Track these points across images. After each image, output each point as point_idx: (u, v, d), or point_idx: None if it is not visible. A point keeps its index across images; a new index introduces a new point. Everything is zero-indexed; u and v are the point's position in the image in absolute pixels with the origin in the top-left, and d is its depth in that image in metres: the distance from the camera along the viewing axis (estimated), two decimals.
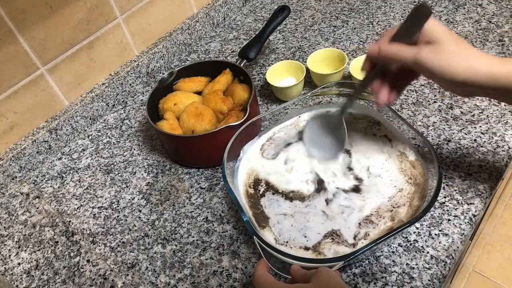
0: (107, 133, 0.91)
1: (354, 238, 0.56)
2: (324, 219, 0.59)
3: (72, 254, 0.70)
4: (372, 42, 0.97)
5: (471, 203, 0.63)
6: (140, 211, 0.74)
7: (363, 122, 0.70)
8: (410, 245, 0.60)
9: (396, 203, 0.58)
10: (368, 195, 0.61)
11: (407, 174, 0.61)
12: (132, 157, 0.84)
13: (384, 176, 0.62)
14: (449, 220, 0.62)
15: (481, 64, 0.47)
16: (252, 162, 0.68)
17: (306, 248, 0.57)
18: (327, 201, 0.61)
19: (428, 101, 0.80)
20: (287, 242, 0.58)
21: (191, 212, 0.72)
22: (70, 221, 0.75)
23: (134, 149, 0.86)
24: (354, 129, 0.69)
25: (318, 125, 0.67)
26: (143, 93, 0.99)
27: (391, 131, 0.68)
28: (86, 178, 0.82)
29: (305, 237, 0.58)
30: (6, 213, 0.79)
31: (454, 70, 0.47)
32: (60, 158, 0.88)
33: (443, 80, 0.49)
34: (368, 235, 0.56)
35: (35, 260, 0.70)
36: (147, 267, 0.66)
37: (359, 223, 0.58)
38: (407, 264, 0.59)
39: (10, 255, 0.72)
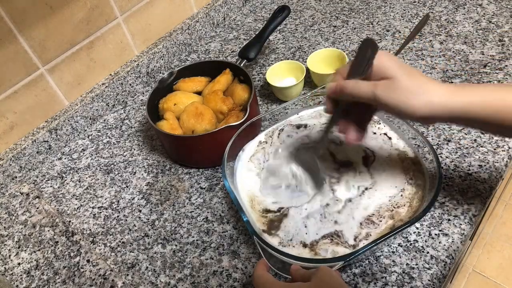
0: (107, 133, 0.91)
1: (355, 239, 0.56)
2: (326, 219, 0.59)
3: (72, 254, 0.70)
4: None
5: (471, 203, 0.63)
6: (140, 211, 0.74)
7: None
8: (410, 245, 0.60)
9: (396, 204, 0.58)
10: (372, 193, 0.61)
11: (409, 174, 0.61)
12: (132, 157, 0.84)
13: (385, 175, 0.62)
14: (449, 220, 0.62)
15: (436, 99, 0.47)
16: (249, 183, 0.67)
17: (305, 245, 0.57)
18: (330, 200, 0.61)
19: None
20: (291, 239, 0.58)
21: (191, 212, 0.72)
22: (70, 221, 0.75)
23: (134, 149, 0.86)
24: None
25: (301, 157, 0.66)
26: (143, 93, 0.99)
27: (390, 129, 0.68)
28: (86, 178, 0.82)
29: (306, 234, 0.58)
30: (6, 213, 0.79)
31: (411, 107, 0.47)
32: (60, 158, 0.88)
33: (402, 115, 0.49)
34: (370, 235, 0.56)
35: (35, 260, 0.70)
36: (147, 267, 0.66)
37: (361, 223, 0.58)
38: (407, 264, 0.59)
39: (10, 255, 0.72)
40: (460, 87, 0.48)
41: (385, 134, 0.67)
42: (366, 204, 0.60)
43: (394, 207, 0.58)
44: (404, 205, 0.58)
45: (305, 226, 0.58)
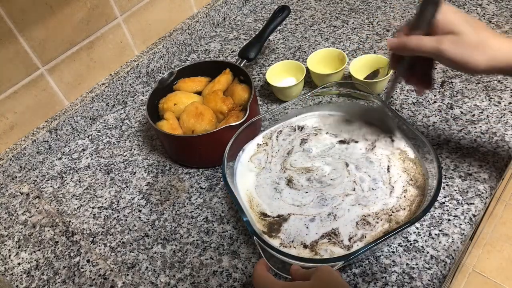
0: (107, 133, 0.91)
1: (350, 239, 0.56)
2: (325, 214, 0.59)
3: (72, 254, 0.70)
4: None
5: (471, 203, 0.63)
6: (140, 211, 0.74)
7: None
8: (410, 245, 0.60)
9: (396, 207, 0.58)
10: (371, 193, 0.61)
11: (410, 174, 0.61)
12: (132, 157, 0.84)
13: (388, 177, 0.62)
14: (449, 220, 0.62)
15: (501, 54, 0.48)
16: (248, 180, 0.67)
17: (305, 246, 0.57)
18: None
19: (428, 101, 0.80)
20: (292, 241, 0.58)
21: (191, 212, 0.72)
22: (70, 221, 0.75)
23: (134, 149, 0.86)
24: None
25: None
26: (143, 93, 0.99)
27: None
28: (86, 178, 0.82)
29: (307, 234, 0.58)
30: (6, 213, 0.79)
31: (475, 61, 0.48)
32: (60, 158, 0.88)
33: (465, 70, 0.50)
34: (365, 237, 0.56)
35: (35, 260, 0.70)
36: (147, 267, 0.66)
37: (357, 223, 0.58)
38: (407, 264, 0.59)
39: (10, 255, 0.72)
40: None
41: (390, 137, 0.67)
42: (365, 202, 0.60)
43: (393, 212, 0.58)
44: (404, 209, 0.58)
45: (307, 227, 0.58)
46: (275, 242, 0.58)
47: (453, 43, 0.49)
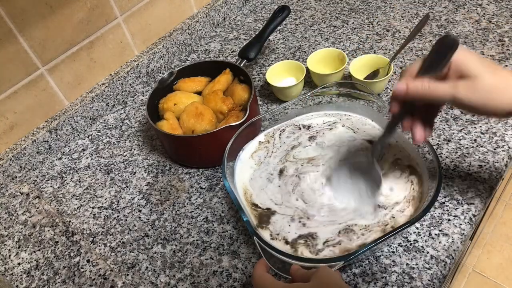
0: (107, 133, 0.91)
1: (324, 243, 0.56)
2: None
3: (72, 254, 0.70)
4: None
5: (471, 203, 0.63)
6: (140, 211, 0.74)
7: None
8: (410, 245, 0.60)
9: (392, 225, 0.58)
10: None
11: (409, 181, 0.61)
12: (132, 157, 0.84)
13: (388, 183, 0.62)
14: (449, 220, 0.62)
15: None
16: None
17: (287, 242, 0.57)
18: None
19: None
20: (278, 234, 0.58)
21: (191, 212, 0.72)
22: (70, 221, 0.75)
23: (134, 149, 0.86)
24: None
25: (346, 172, 0.62)
26: (143, 93, 0.99)
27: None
28: (86, 178, 0.82)
29: (289, 232, 0.58)
30: (6, 213, 0.79)
31: (497, 105, 0.45)
32: (60, 158, 0.88)
33: (484, 113, 0.47)
34: (340, 244, 0.56)
35: (35, 260, 0.70)
36: (147, 267, 0.66)
37: (339, 232, 0.57)
38: (407, 264, 0.59)
39: (10, 255, 0.72)
40: None
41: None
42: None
43: (389, 219, 0.58)
44: (403, 213, 0.58)
45: (289, 225, 0.59)
46: (265, 234, 0.58)
47: (470, 87, 0.45)
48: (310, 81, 0.90)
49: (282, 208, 0.61)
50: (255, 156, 0.69)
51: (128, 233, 0.71)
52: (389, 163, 0.63)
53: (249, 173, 0.67)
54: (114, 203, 0.77)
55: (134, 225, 0.72)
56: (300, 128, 0.72)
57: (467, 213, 0.62)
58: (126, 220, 0.73)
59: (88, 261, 0.69)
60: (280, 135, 0.71)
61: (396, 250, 0.60)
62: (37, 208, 0.79)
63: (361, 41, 0.98)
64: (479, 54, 0.49)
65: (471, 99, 0.45)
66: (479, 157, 0.69)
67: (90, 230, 0.73)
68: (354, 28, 1.02)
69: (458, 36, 0.92)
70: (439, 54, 0.47)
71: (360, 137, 0.68)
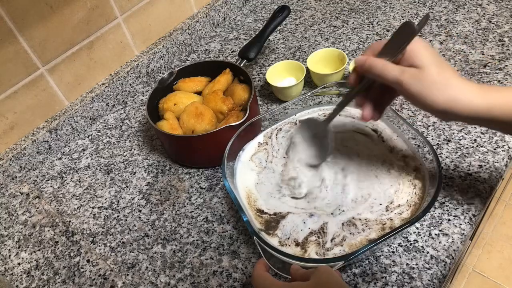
0: (107, 133, 0.91)
1: (332, 240, 0.57)
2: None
3: (72, 254, 0.70)
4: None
5: (471, 203, 0.63)
6: (140, 211, 0.74)
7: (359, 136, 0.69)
8: (410, 245, 0.60)
9: (390, 217, 0.58)
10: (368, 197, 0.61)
11: (410, 179, 0.61)
12: (132, 157, 0.84)
13: (386, 179, 0.62)
14: (449, 220, 0.62)
15: (462, 96, 0.46)
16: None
17: (297, 244, 0.57)
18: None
19: None
20: (288, 238, 0.58)
21: (191, 212, 0.72)
22: (70, 221, 0.75)
23: (134, 149, 0.86)
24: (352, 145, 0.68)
25: (306, 129, 0.65)
26: (143, 93, 0.99)
27: (390, 129, 0.68)
28: (86, 178, 0.82)
29: (302, 230, 0.58)
30: (6, 213, 0.79)
31: (434, 98, 0.47)
32: (60, 158, 0.88)
33: (422, 106, 0.49)
34: (345, 240, 0.56)
35: (35, 260, 0.70)
36: (147, 267, 0.66)
37: (343, 224, 0.58)
38: (407, 264, 0.59)
39: (10, 255, 0.72)
40: (486, 87, 0.48)
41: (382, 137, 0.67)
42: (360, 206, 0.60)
43: (387, 220, 0.58)
44: (400, 217, 0.58)
45: (304, 223, 0.59)
46: (273, 241, 0.58)
47: (414, 76, 0.47)
48: (310, 81, 0.90)
49: (296, 209, 0.61)
50: (255, 159, 0.68)
51: (128, 233, 0.71)
52: (397, 164, 0.63)
53: (252, 177, 0.66)
54: (114, 203, 0.77)
55: (134, 225, 0.72)
56: (295, 124, 0.72)
57: (467, 213, 0.62)
58: (126, 220, 0.73)
59: (88, 261, 0.69)
60: (276, 135, 0.71)
61: (396, 250, 0.60)
62: (37, 208, 0.79)
63: (361, 41, 0.98)
64: (434, 49, 0.50)
65: (413, 87, 0.47)
66: (479, 157, 0.69)
67: (90, 230, 0.73)
68: (354, 28, 1.02)
69: (458, 36, 0.92)
70: (398, 39, 0.49)
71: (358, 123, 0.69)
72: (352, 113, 0.72)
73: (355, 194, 0.61)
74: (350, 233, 0.57)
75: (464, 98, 0.46)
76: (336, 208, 0.60)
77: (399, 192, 0.60)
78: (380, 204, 0.59)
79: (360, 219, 0.58)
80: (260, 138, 0.71)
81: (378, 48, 0.52)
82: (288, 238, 0.58)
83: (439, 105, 0.47)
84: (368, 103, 0.54)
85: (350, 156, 0.65)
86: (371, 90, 0.55)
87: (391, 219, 0.57)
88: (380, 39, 0.97)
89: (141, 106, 0.96)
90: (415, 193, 0.59)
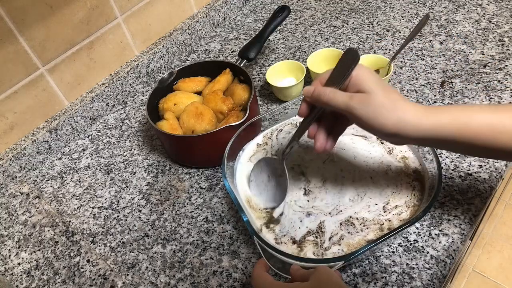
0: (107, 133, 0.91)
1: (329, 239, 0.57)
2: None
3: (72, 254, 0.70)
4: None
5: (471, 203, 0.63)
6: (140, 211, 0.74)
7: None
8: (410, 245, 0.60)
9: (388, 218, 0.58)
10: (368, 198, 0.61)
11: (411, 184, 0.61)
12: (132, 157, 0.84)
13: (387, 184, 0.62)
14: (449, 220, 0.62)
15: (409, 117, 0.47)
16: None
17: (294, 242, 0.57)
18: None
19: (428, 101, 0.80)
20: (284, 235, 0.58)
21: (191, 212, 0.72)
22: (70, 221, 0.75)
23: (134, 149, 0.86)
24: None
25: (263, 169, 0.64)
26: (143, 93, 0.99)
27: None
28: (86, 178, 0.82)
29: (300, 228, 0.59)
30: (6, 213, 0.79)
31: (383, 121, 0.47)
32: (60, 158, 0.88)
33: (373, 130, 0.49)
34: (343, 238, 0.56)
35: (35, 260, 0.70)
36: (147, 267, 0.66)
37: (341, 223, 0.58)
38: (407, 264, 0.59)
39: (10, 255, 0.72)
40: (432, 108, 0.48)
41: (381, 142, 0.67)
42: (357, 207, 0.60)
43: (385, 220, 0.58)
44: (399, 217, 0.58)
45: (301, 221, 0.59)
46: (270, 236, 0.58)
47: (362, 101, 0.48)
48: (310, 81, 0.90)
49: (294, 206, 0.62)
50: (254, 159, 0.68)
51: (128, 233, 0.71)
52: (396, 166, 0.63)
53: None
54: (114, 203, 0.77)
55: (134, 225, 0.72)
56: (297, 125, 0.72)
57: (467, 213, 0.62)
58: (126, 220, 0.73)
59: (88, 261, 0.69)
60: (277, 135, 0.71)
61: (396, 250, 0.60)
62: (37, 208, 0.79)
63: (361, 41, 0.98)
64: (378, 76, 0.51)
65: (362, 111, 0.48)
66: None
67: (90, 230, 0.73)
68: (354, 28, 1.02)
69: (458, 36, 0.92)
70: (342, 66, 0.50)
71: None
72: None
73: (351, 194, 0.61)
74: (348, 233, 0.57)
75: (411, 119, 0.47)
76: (334, 208, 0.60)
77: (396, 194, 0.60)
78: (376, 204, 0.59)
79: (357, 219, 0.58)
80: (259, 139, 0.71)
81: (325, 77, 0.52)
82: (285, 235, 0.58)
83: (389, 127, 0.47)
84: (320, 133, 0.54)
85: (348, 158, 0.66)
86: (323, 119, 0.55)
87: (389, 220, 0.57)
88: (380, 40, 0.97)
89: (141, 106, 0.96)
90: (414, 195, 0.59)
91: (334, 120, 0.55)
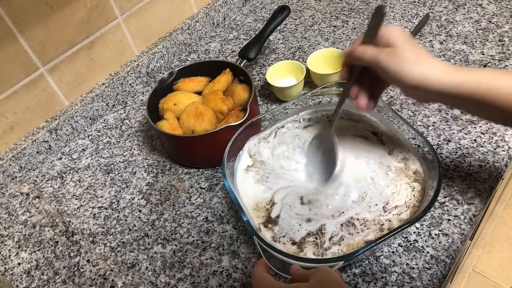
0: (107, 133, 0.91)
1: (330, 239, 0.57)
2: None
3: (72, 254, 0.70)
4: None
5: (471, 203, 0.63)
6: (140, 211, 0.74)
7: (360, 130, 0.70)
8: (410, 245, 0.60)
9: (388, 217, 0.58)
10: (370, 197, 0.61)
11: (410, 183, 0.61)
12: (132, 157, 0.84)
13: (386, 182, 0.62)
14: (449, 220, 0.62)
15: (433, 71, 0.50)
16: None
17: (294, 243, 0.57)
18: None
19: None
20: (283, 236, 0.58)
21: (191, 212, 0.72)
22: (70, 221, 0.75)
23: (134, 149, 0.86)
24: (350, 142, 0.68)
25: (315, 145, 0.66)
26: (143, 93, 0.99)
27: (389, 134, 0.68)
28: (86, 178, 0.82)
29: (298, 231, 0.58)
30: (6, 213, 0.79)
31: (407, 74, 0.50)
32: (60, 158, 0.88)
33: (398, 83, 0.52)
34: (343, 239, 0.56)
35: (35, 260, 0.70)
36: (147, 267, 0.66)
37: (341, 224, 0.58)
38: (407, 264, 0.59)
39: (10, 255, 0.72)
40: (458, 66, 0.51)
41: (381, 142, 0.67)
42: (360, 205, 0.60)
43: (385, 221, 0.58)
44: (400, 217, 0.58)
45: (300, 225, 0.59)
46: (267, 235, 0.58)
47: (389, 54, 0.51)
48: (310, 81, 0.90)
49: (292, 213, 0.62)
50: (251, 171, 0.68)
51: (128, 233, 0.71)
52: (396, 166, 0.63)
53: (254, 190, 0.65)
54: (114, 203, 0.77)
55: (134, 225, 0.72)
56: (300, 122, 0.72)
57: (467, 213, 0.62)
58: (126, 220, 0.73)
59: (88, 261, 0.69)
60: (275, 136, 0.71)
61: (396, 250, 0.60)
62: (37, 208, 0.79)
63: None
64: (406, 33, 0.54)
65: (389, 63, 0.51)
66: (479, 157, 0.69)
67: (90, 230, 0.73)
68: (354, 28, 1.02)
69: (458, 36, 0.92)
70: (372, 24, 0.53)
71: (361, 126, 0.70)
72: (353, 118, 0.72)
73: (355, 196, 0.61)
74: (349, 233, 0.57)
75: (435, 73, 0.49)
76: (336, 211, 0.60)
77: (396, 194, 0.60)
78: (376, 205, 0.59)
79: (358, 219, 0.58)
80: (261, 137, 0.71)
81: (360, 39, 0.56)
82: (284, 236, 0.58)
83: (413, 79, 0.50)
84: (362, 93, 0.57)
85: (349, 158, 0.66)
86: (363, 81, 0.57)
87: (389, 220, 0.57)
88: None
89: (141, 106, 0.96)
90: (414, 195, 0.59)
91: (373, 81, 0.57)
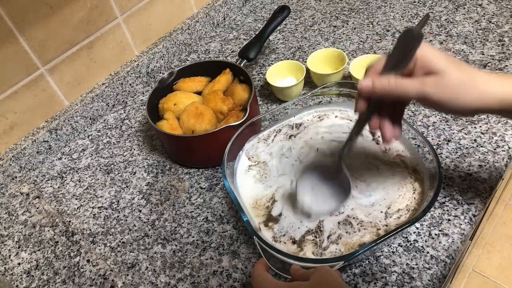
0: (107, 133, 0.91)
1: (328, 237, 0.57)
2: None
3: (72, 254, 0.70)
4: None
5: (471, 203, 0.63)
6: (140, 211, 0.74)
7: None
8: (410, 245, 0.60)
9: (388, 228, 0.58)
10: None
11: (411, 182, 0.61)
12: (132, 157, 0.84)
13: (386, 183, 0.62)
14: (449, 220, 0.62)
15: (489, 89, 0.44)
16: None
17: (294, 242, 0.57)
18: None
19: None
20: (283, 235, 0.58)
21: (191, 212, 0.72)
22: (70, 221, 0.75)
23: (134, 149, 0.86)
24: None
25: (314, 177, 0.60)
26: (143, 93, 0.99)
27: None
28: (86, 178, 0.82)
29: (299, 228, 0.59)
30: (6, 213, 0.79)
31: (465, 100, 0.44)
32: (60, 158, 0.88)
33: (454, 111, 0.46)
34: (340, 238, 0.56)
35: (35, 260, 0.70)
36: (147, 267, 0.66)
37: (338, 222, 0.58)
38: (407, 264, 0.59)
39: (10, 255, 0.72)
40: (507, 75, 0.46)
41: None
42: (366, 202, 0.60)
43: (384, 222, 0.58)
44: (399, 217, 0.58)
45: (301, 221, 0.59)
46: (268, 235, 0.58)
47: (437, 84, 0.44)
48: (310, 81, 0.90)
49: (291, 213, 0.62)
50: (251, 171, 0.68)
51: (128, 233, 0.71)
52: (396, 167, 0.63)
53: (254, 189, 0.65)
54: (114, 203, 0.77)
55: (134, 225, 0.72)
56: (293, 128, 0.72)
57: (467, 213, 0.62)
58: (126, 220, 0.73)
59: (88, 261, 0.69)
60: (275, 136, 0.71)
61: (396, 250, 0.60)
62: (37, 208, 0.79)
63: (361, 41, 0.98)
64: (442, 51, 0.47)
65: (440, 95, 0.44)
66: (479, 157, 0.69)
67: (90, 230, 0.73)
68: (354, 28, 1.02)
69: (458, 36, 0.93)
70: (403, 49, 0.45)
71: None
72: (350, 116, 0.71)
73: (357, 195, 0.61)
74: (346, 232, 0.57)
75: (490, 91, 0.44)
76: (336, 211, 0.60)
77: (395, 194, 0.60)
78: (375, 205, 0.59)
79: (354, 218, 0.58)
80: (261, 137, 0.71)
81: (380, 66, 0.48)
82: (284, 235, 0.58)
83: (471, 106, 0.44)
84: (384, 123, 0.50)
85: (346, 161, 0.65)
86: (380, 107, 0.50)
87: (388, 222, 0.57)
88: (380, 40, 0.97)
89: (141, 106, 0.96)
90: (414, 198, 0.59)
91: (393, 104, 0.50)
